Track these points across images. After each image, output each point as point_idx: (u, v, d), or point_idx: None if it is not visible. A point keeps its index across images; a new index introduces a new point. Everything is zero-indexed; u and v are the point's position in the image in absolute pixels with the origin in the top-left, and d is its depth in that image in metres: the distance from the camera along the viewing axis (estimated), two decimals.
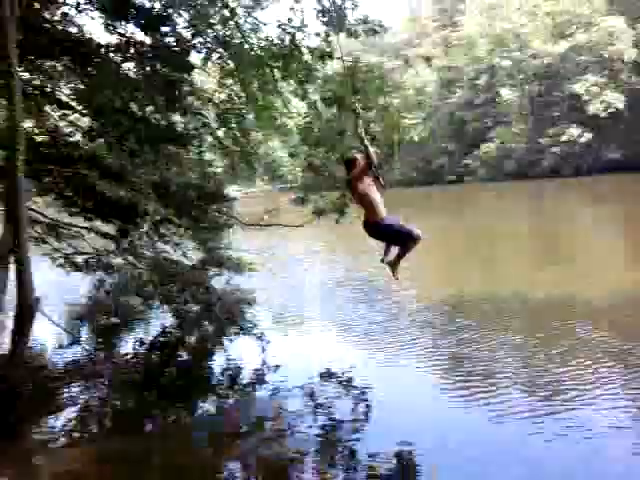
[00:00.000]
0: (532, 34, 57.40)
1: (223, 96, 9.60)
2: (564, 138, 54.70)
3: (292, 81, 9.20)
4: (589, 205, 32.20)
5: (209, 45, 8.04)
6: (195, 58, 8.21)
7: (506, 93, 58.47)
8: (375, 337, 10.19)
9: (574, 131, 54.43)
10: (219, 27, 8.11)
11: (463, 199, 46.49)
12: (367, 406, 7.47)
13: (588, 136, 53.95)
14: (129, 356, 9.98)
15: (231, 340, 9.95)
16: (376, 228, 5.38)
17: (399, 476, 5.83)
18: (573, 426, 6.28)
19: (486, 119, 61.52)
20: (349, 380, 8.33)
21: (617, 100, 52.84)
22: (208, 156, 10.39)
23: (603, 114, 53.07)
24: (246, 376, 8.87)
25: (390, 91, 10.10)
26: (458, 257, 18.51)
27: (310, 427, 6.91)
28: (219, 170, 10.93)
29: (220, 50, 8.47)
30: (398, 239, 5.51)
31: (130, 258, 9.40)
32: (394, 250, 6.24)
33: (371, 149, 5.37)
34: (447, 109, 65.50)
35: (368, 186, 5.42)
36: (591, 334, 9.27)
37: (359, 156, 5.51)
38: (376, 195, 5.43)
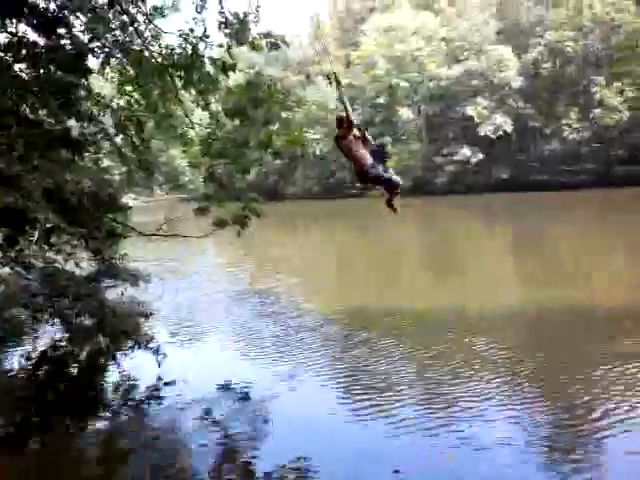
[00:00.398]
0: (428, 57, 60.13)
1: (122, 103, 9.36)
2: (457, 158, 57.56)
3: (193, 91, 9.12)
4: (481, 223, 34.08)
5: (107, 50, 7.82)
6: (93, 63, 7.97)
7: (404, 113, 60.79)
8: (275, 351, 10.26)
9: (467, 151, 57.42)
10: (118, 32, 7.92)
11: (365, 214, 47.68)
12: (265, 420, 7.51)
13: (479, 156, 57.11)
14: (15, 371, 9.45)
15: (126, 354, 9.64)
16: (364, 176, 5.77)
17: None
18: (466, 438, 6.62)
19: (385, 137, 63.57)
20: (247, 394, 8.34)
21: (505, 124, 56.40)
22: (105, 163, 10.05)
23: (493, 136, 56.42)
24: (142, 391, 8.66)
25: (292, 105, 10.25)
26: (359, 271, 18.96)
27: (208, 443, 6.85)
28: (116, 177, 10.60)
29: (119, 56, 8.28)
30: (382, 184, 5.99)
31: (18, 268, 8.88)
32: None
33: (350, 110, 5.82)
34: None
35: (352, 142, 5.85)
36: (482, 347, 9.83)
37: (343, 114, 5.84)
38: (360, 148, 5.81)
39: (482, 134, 56.47)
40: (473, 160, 57.13)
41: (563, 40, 54.34)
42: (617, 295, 12.84)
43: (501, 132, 56.27)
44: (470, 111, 56.76)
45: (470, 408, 7.43)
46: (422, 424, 7.04)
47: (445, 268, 18.71)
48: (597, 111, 51.80)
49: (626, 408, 7.14)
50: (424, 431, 6.86)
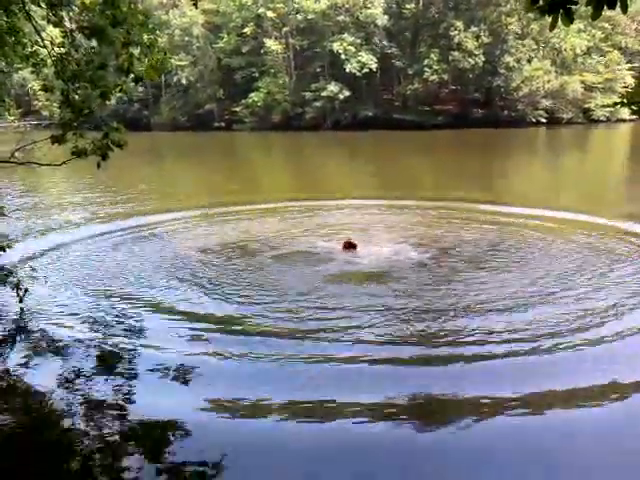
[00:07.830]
0: None
1: None
2: (325, 93, 57.90)
3: (43, 4, 8.33)
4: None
5: None
6: None
7: (272, 44, 59.67)
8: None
9: (334, 88, 57.85)
10: None
11: (232, 147, 47.15)
12: None
13: (346, 93, 57.84)
14: None
15: None
16: None
17: None
18: None
19: (253, 68, 62.28)
20: None
21: (371, 61, 57.27)
22: None
23: (359, 73, 57.18)
24: (5, 326, 8.30)
25: (155, 28, 9.74)
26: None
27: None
28: None
29: None
30: None
31: None
32: None
33: None
34: (215, 54, 64.76)
35: None
36: None
37: None
38: None
39: (348, 71, 57.02)
40: (340, 97, 57.80)
41: None
42: None
43: (367, 69, 57.16)
44: (336, 47, 56.87)
45: None
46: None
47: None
48: (455, 54, 54.17)
49: None
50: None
